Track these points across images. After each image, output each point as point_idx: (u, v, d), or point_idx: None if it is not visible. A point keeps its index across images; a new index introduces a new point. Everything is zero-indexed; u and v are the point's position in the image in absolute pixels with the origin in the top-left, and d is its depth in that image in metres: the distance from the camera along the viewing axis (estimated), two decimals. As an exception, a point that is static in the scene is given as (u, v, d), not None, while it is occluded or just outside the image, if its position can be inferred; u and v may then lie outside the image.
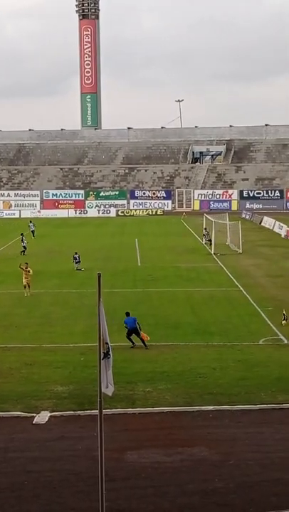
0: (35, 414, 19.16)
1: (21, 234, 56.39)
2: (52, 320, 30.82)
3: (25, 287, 35.91)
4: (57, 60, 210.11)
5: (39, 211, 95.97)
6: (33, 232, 65.24)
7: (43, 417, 19.01)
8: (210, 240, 54.80)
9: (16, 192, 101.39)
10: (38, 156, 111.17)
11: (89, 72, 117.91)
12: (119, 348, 23.24)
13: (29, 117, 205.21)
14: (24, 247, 53.16)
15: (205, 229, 57.85)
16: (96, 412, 12.31)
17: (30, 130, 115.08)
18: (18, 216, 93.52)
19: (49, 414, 19.14)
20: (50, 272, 44.18)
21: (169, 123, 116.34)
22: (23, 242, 53.68)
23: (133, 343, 26.05)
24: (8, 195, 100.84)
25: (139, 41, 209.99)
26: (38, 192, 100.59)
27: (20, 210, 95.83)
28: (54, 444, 17.24)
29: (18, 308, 33.40)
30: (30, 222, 69.13)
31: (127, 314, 26.86)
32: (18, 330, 29.21)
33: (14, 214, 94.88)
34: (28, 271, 36.13)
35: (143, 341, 26.06)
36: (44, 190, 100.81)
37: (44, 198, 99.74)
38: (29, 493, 14.56)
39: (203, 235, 57.20)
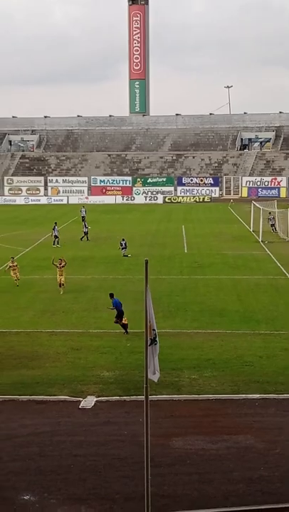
0: (81, 399, 19.33)
1: (82, 219, 56.93)
2: (98, 305, 30.98)
3: (60, 285, 33.77)
4: (105, 46, 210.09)
5: (87, 197, 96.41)
6: (83, 217, 65.77)
7: (89, 401, 19.17)
8: (274, 225, 55.11)
9: (64, 178, 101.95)
10: (86, 142, 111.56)
11: (138, 58, 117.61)
12: (164, 335, 23.26)
13: (78, 103, 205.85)
14: (85, 232, 53.32)
15: (269, 213, 57.38)
16: (142, 397, 12.35)
17: (78, 116, 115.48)
18: (66, 202, 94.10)
19: (95, 399, 19.29)
20: (96, 257, 44.41)
21: (217, 109, 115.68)
22: (85, 228, 53.81)
23: (126, 331, 26.06)
24: (57, 181, 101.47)
25: (187, 26, 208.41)
26: (85, 178, 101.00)
27: (68, 197, 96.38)
28: (100, 429, 17.38)
29: (65, 293, 33.63)
30: (83, 207, 69.67)
31: (112, 295, 27.08)
32: (65, 315, 29.46)
33: (62, 200, 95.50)
34: (63, 266, 33.99)
35: (124, 326, 26.17)
36: (92, 177, 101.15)
37: (92, 184, 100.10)
38: (75, 477, 14.71)
39: (268, 218, 56.74)
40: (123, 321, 26.24)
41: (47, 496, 13.94)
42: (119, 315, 26.38)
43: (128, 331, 25.96)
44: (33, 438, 16.75)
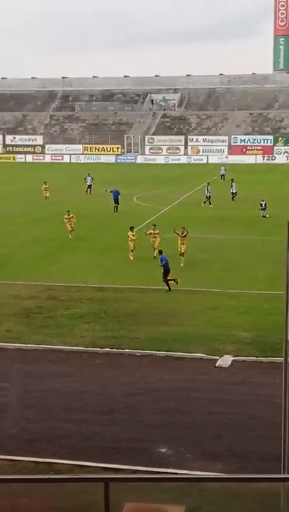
0: (218, 357, 19.46)
1: (222, 177, 56.28)
2: (236, 266, 30.89)
3: (182, 255, 31.44)
4: (249, 2, 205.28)
5: (226, 157, 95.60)
6: (222, 176, 65.81)
7: (225, 360, 19.27)
8: None
9: (204, 137, 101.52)
10: (228, 100, 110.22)
11: (283, 14, 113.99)
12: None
13: (220, 61, 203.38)
14: (234, 193, 52.73)
15: None
16: (279, 359, 12.26)
17: (220, 75, 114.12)
18: (205, 162, 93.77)
19: (232, 358, 19.36)
20: (235, 217, 44.12)
21: None
22: (233, 188, 53.15)
23: (169, 288, 27.05)
24: (197, 140, 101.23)
25: None
26: (226, 137, 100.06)
27: (207, 156, 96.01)
28: (236, 388, 17.46)
29: (202, 252, 33.76)
30: (223, 166, 69.79)
31: (161, 252, 28.35)
32: (202, 274, 29.60)
33: (202, 160, 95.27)
34: (185, 235, 31.74)
35: (168, 283, 27.01)
36: (232, 136, 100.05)
37: (232, 143, 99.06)
38: (210, 433, 14.91)
39: None
40: (168, 278, 27.20)
41: (183, 450, 14.24)
42: (166, 272, 27.25)
43: (171, 288, 27.02)
44: (170, 393, 17.08)
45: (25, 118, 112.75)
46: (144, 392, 17.06)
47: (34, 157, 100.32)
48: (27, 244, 35.55)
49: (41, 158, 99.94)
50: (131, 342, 20.80)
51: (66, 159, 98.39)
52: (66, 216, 38.19)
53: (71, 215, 38.14)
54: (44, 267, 30.88)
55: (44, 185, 53.90)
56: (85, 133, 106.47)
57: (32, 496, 10.07)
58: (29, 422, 15.39)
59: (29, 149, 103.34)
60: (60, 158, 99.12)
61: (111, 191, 48.14)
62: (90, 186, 57.40)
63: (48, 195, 53.08)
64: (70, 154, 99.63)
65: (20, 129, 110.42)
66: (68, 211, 38.44)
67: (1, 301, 25.23)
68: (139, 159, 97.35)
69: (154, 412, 15.90)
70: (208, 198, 50.28)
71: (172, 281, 27.21)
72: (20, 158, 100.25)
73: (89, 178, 57.83)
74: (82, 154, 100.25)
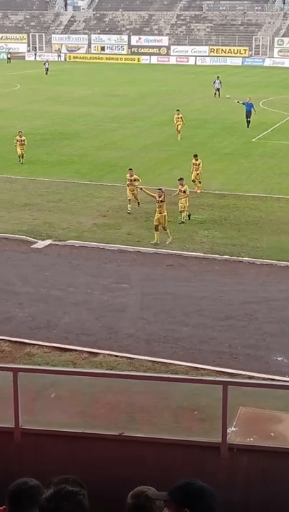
0: None
1: None
2: None
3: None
4: None
5: None
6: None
7: None
8: None
9: None
10: None
11: None
12: None
13: None
14: None
15: None
16: None
17: None
18: None
19: None
20: None
21: None
22: None
23: None
24: None
25: None
26: None
27: None
28: None
29: None
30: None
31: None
32: None
33: None
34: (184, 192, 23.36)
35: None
36: None
37: None
38: None
39: None
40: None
41: (299, 360, 14.17)
42: None
43: None
44: (289, 303, 16.93)
45: (151, 18, 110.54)
46: (262, 301, 16.97)
47: (159, 59, 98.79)
48: (149, 148, 35.47)
49: (166, 60, 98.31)
50: (251, 250, 20.60)
51: (191, 61, 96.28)
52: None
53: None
54: (165, 171, 30.77)
55: (176, 115, 38.40)
56: (212, 34, 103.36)
57: (148, 393, 10.37)
58: (147, 323, 15.72)
59: (154, 50, 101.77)
60: (186, 60, 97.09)
61: (243, 103, 41.79)
62: (218, 89, 55.94)
63: (179, 128, 38.00)
64: (196, 56, 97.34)
65: (146, 29, 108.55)
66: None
67: (122, 204, 25.48)
68: (267, 62, 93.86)
69: (272, 321, 15.83)
70: None
71: None
72: (145, 59, 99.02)
73: (217, 82, 56.25)
74: (208, 56, 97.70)
